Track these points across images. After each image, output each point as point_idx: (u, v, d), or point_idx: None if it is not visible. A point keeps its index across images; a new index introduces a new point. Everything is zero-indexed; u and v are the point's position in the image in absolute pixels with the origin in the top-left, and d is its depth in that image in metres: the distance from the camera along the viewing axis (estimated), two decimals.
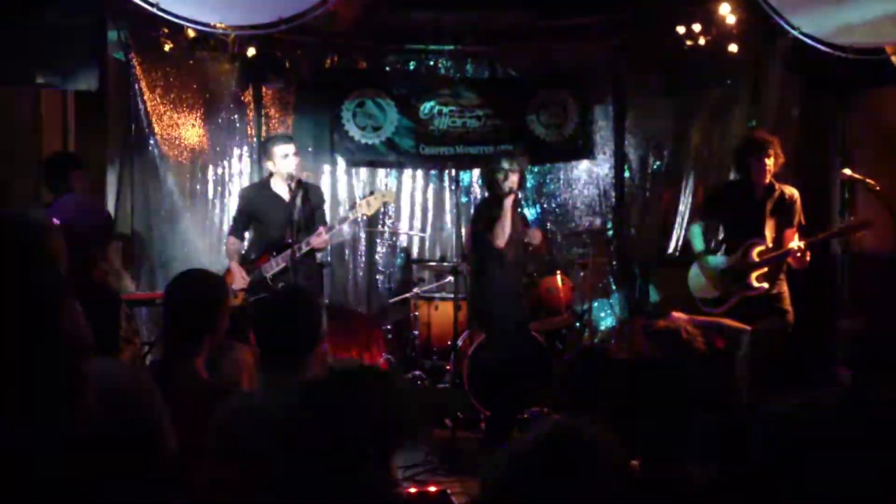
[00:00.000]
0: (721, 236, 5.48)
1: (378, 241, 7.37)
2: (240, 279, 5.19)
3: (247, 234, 5.55)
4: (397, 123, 7.20)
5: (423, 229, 7.45)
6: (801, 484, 1.87)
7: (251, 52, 6.33)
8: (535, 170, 7.42)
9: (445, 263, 6.70)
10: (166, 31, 5.87)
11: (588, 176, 7.48)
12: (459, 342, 5.89)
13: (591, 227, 7.16)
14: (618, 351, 6.60)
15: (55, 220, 2.73)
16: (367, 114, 7.18)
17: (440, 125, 7.24)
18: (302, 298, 2.75)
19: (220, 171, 6.82)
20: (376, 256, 7.35)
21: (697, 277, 5.27)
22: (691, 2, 6.23)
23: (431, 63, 7.33)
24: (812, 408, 1.92)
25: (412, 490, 4.32)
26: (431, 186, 7.50)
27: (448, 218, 7.42)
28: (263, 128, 6.88)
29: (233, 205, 6.48)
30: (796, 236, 4.92)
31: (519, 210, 5.29)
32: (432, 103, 7.22)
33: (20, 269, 1.37)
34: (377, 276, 7.23)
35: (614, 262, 7.31)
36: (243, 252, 5.52)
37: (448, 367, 6.10)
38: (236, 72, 6.65)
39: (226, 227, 6.35)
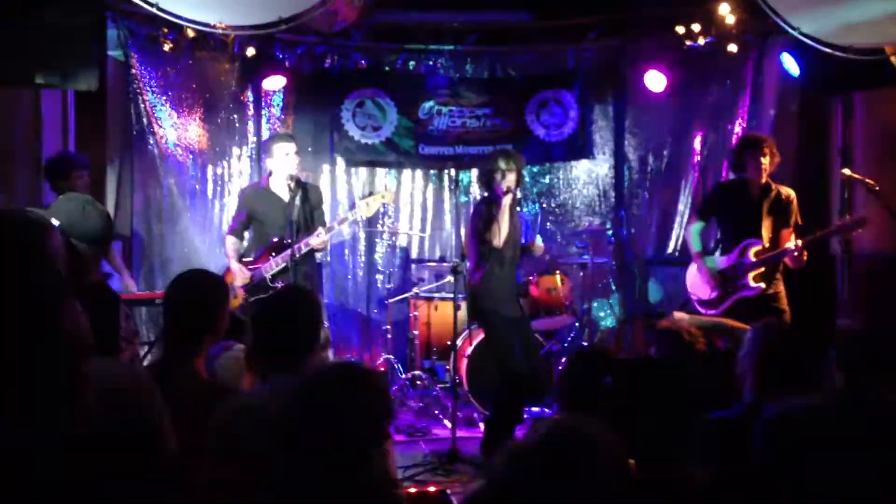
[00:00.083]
0: (718, 236, 5.48)
1: (377, 241, 7.37)
2: (240, 276, 5.19)
3: (246, 234, 5.55)
4: (397, 123, 7.20)
5: (422, 229, 7.44)
6: (801, 484, 1.87)
7: (251, 51, 6.33)
8: (535, 170, 7.42)
9: (445, 263, 6.69)
10: (166, 30, 5.87)
11: (588, 176, 7.48)
12: (459, 342, 5.89)
13: (591, 227, 7.16)
14: (618, 351, 6.60)
15: (54, 220, 2.73)
16: (366, 114, 7.17)
17: (440, 125, 7.24)
18: (302, 298, 2.75)
19: (219, 170, 6.81)
20: (376, 256, 7.35)
21: (695, 278, 5.27)
22: (691, 2, 6.22)
23: (431, 63, 7.32)
24: (812, 408, 1.92)
25: (412, 490, 4.33)
26: (431, 186, 7.50)
27: (447, 218, 7.41)
28: (263, 128, 6.88)
29: (232, 204, 6.48)
30: (793, 236, 4.93)
31: (518, 210, 5.27)
32: (432, 103, 7.22)
33: (20, 269, 1.37)
34: (377, 276, 7.23)
35: (614, 262, 7.31)
36: (242, 252, 5.52)
37: (447, 367, 6.10)
38: (236, 71, 6.65)
39: (225, 227, 6.35)
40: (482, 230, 4.99)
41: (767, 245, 4.98)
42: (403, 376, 6.30)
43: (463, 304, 5.71)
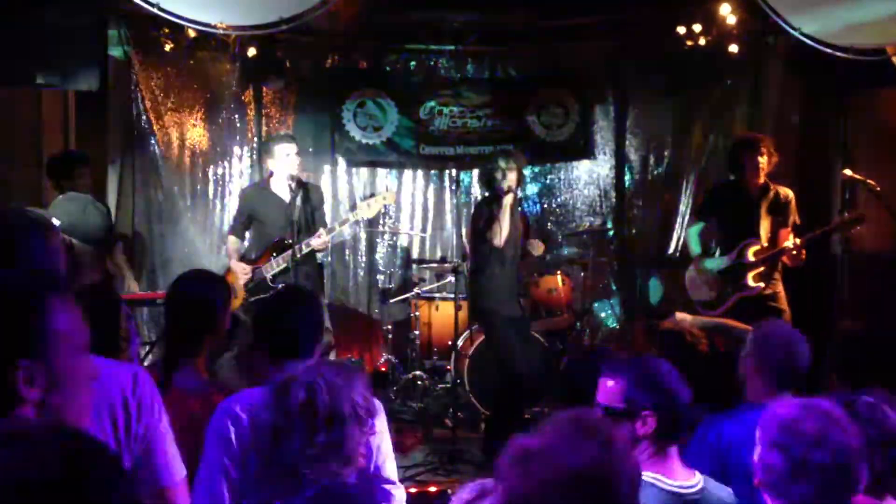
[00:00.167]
0: (718, 237, 5.48)
1: (378, 241, 7.37)
2: (242, 275, 5.19)
3: (247, 234, 5.55)
4: (398, 123, 7.20)
5: (423, 229, 7.44)
6: (803, 484, 1.88)
7: (252, 52, 6.34)
8: (536, 170, 7.43)
9: (446, 263, 6.70)
10: (167, 31, 5.88)
11: (588, 176, 7.48)
12: (460, 342, 5.88)
13: (592, 227, 7.16)
14: (618, 351, 6.60)
15: (55, 220, 2.73)
16: (367, 114, 7.18)
17: (440, 125, 7.24)
18: (303, 298, 2.75)
19: (220, 170, 6.82)
20: (376, 256, 7.35)
21: (694, 280, 5.28)
22: (691, 2, 6.22)
23: (432, 63, 7.33)
24: (811, 409, 1.92)
25: (412, 490, 4.33)
26: (432, 186, 7.50)
27: (448, 218, 7.42)
28: (264, 128, 6.88)
29: (233, 204, 6.48)
30: (791, 235, 4.94)
31: (519, 209, 5.27)
32: (433, 103, 7.22)
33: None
34: (377, 277, 7.23)
35: (615, 262, 7.31)
36: (243, 252, 5.52)
37: (448, 368, 6.10)
38: (237, 72, 6.66)
39: (226, 227, 6.36)
40: (483, 229, 4.98)
41: (766, 245, 4.98)
42: (404, 376, 6.30)
43: (464, 305, 5.72)
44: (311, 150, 7.02)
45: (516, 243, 5.14)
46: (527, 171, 6.70)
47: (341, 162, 7.28)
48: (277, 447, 2.11)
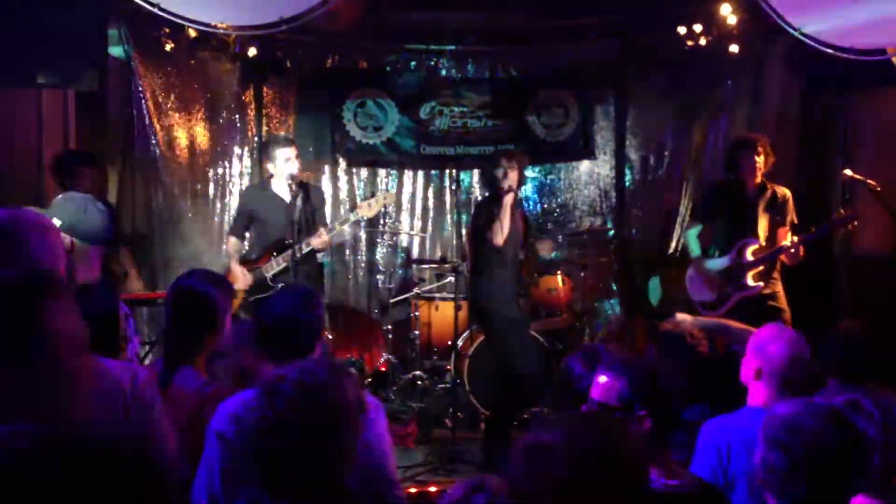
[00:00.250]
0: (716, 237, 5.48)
1: (378, 241, 7.37)
2: (241, 279, 5.19)
3: (247, 235, 5.55)
4: (398, 124, 7.21)
5: (423, 229, 7.45)
6: (804, 483, 1.88)
7: (252, 52, 6.34)
8: (536, 170, 7.42)
9: (446, 263, 6.70)
10: (167, 30, 5.88)
11: (588, 176, 7.48)
12: (459, 342, 5.89)
13: (592, 227, 7.15)
14: (618, 352, 6.59)
15: (56, 220, 2.73)
16: (368, 114, 7.18)
17: (441, 125, 7.25)
18: (302, 298, 2.75)
19: (220, 170, 6.82)
20: (377, 256, 7.35)
21: (694, 281, 5.28)
22: (691, 2, 6.22)
23: (432, 63, 7.33)
24: (812, 409, 1.92)
25: (412, 490, 4.33)
26: (432, 187, 7.50)
27: (448, 218, 7.41)
28: (264, 128, 6.89)
29: (233, 205, 6.49)
30: (789, 234, 4.94)
31: (519, 210, 5.27)
32: (433, 103, 7.23)
33: None
34: (377, 276, 7.23)
35: (615, 263, 7.31)
36: (244, 252, 5.52)
37: (448, 368, 6.10)
38: (237, 72, 6.66)
39: (226, 227, 6.36)
40: (483, 229, 4.98)
41: (764, 244, 4.99)
42: (404, 377, 6.30)
43: (464, 305, 5.72)
44: (311, 149, 7.02)
45: (517, 243, 5.14)
46: (527, 171, 6.69)
47: (341, 162, 7.28)
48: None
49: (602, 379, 2.24)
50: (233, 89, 6.71)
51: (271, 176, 5.31)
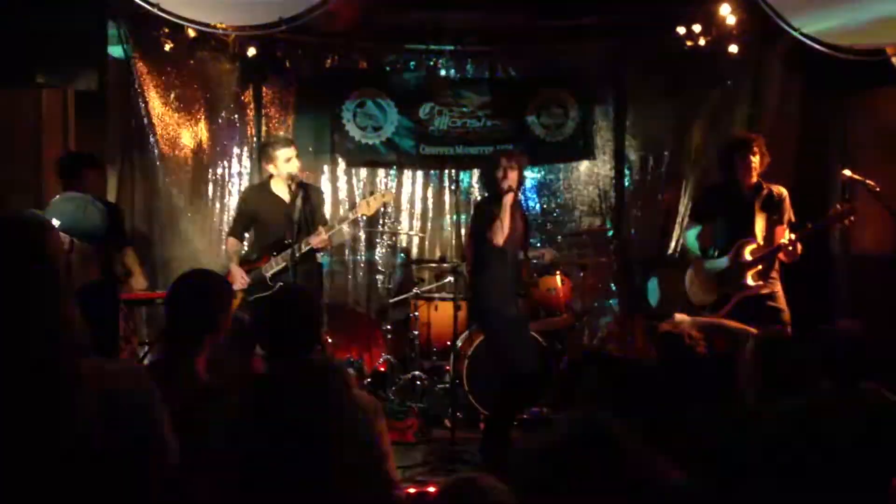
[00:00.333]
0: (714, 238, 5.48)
1: (378, 241, 7.37)
2: (240, 280, 5.19)
3: (247, 235, 5.55)
4: (397, 124, 7.21)
5: (422, 229, 7.45)
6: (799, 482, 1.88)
7: (251, 52, 6.35)
8: (536, 170, 7.43)
9: (445, 264, 6.70)
10: (167, 30, 5.88)
11: (588, 176, 7.48)
12: (459, 342, 5.88)
13: (592, 227, 7.15)
14: (618, 351, 6.60)
15: (55, 221, 2.73)
16: (367, 114, 7.18)
17: (440, 125, 7.25)
18: (301, 297, 2.75)
19: (220, 171, 6.82)
20: (376, 256, 7.35)
21: (694, 282, 5.27)
22: (691, 2, 6.22)
23: (432, 63, 7.33)
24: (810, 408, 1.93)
25: (412, 490, 4.33)
26: (431, 187, 7.50)
27: (448, 218, 7.42)
28: (264, 128, 6.89)
29: (233, 205, 6.49)
30: (787, 232, 4.94)
31: (520, 210, 5.27)
32: (432, 103, 7.23)
33: (19, 269, 1.37)
34: (377, 277, 7.23)
35: (614, 263, 7.31)
36: (243, 253, 5.52)
37: (447, 368, 6.10)
38: (237, 72, 6.66)
39: (226, 227, 6.36)
40: (483, 229, 4.98)
41: (762, 243, 4.99)
42: (404, 377, 6.29)
43: (463, 305, 5.71)
44: (310, 149, 7.02)
45: (517, 243, 5.13)
46: (527, 171, 6.69)
47: (341, 162, 7.28)
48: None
49: None
50: (232, 89, 6.71)
51: (271, 176, 5.31)
